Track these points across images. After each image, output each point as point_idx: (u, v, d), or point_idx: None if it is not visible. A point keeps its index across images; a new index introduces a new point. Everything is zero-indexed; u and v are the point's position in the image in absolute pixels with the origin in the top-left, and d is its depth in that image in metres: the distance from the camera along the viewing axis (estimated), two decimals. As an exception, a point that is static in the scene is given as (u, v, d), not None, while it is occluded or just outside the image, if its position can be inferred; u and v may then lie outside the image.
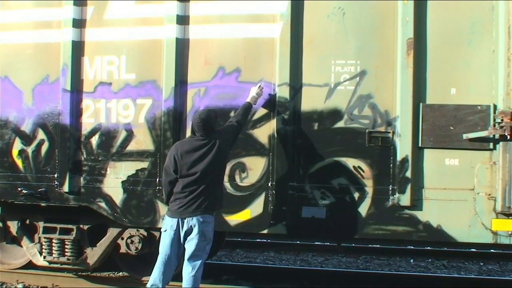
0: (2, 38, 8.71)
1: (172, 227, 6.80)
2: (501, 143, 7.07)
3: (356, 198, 7.50)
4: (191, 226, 6.71)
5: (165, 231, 6.86)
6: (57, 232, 8.62)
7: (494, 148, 7.15)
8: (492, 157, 7.17)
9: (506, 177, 7.04)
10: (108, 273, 9.50)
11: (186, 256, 6.80)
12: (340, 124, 7.53)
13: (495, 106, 7.13)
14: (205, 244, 6.80)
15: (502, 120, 6.99)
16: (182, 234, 6.77)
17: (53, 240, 8.63)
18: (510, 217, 7.14)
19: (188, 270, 6.76)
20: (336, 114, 7.53)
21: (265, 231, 7.80)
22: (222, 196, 7.19)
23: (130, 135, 8.13)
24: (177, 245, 6.83)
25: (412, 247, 12.24)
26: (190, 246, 6.76)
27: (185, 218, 6.74)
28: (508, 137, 6.97)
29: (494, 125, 7.06)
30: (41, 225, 8.72)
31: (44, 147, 8.50)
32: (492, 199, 7.16)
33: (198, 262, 6.75)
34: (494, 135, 7.07)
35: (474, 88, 7.23)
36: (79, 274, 9.20)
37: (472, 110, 7.18)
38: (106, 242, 8.52)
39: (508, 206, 7.04)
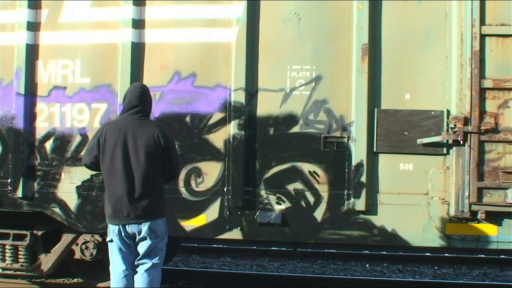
0: (-46, 42, 8.56)
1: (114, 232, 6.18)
2: (454, 148, 7.17)
3: (312, 203, 7.52)
4: (134, 232, 6.10)
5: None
6: (11, 238, 8.47)
7: (448, 153, 7.23)
8: (446, 162, 7.25)
9: (459, 181, 7.13)
10: (62, 279, 9.39)
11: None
12: (296, 129, 7.54)
13: (448, 112, 7.20)
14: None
15: (455, 125, 7.07)
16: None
17: (6, 246, 8.49)
18: (464, 221, 7.22)
19: (140, 270, 6.12)
20: (291, 119, 7.55)
21: (221, 237, 7.78)
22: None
23: (85, 139, 8.04)
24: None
25: (367, 251, 12.29)
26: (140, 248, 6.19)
27: (126, 225, 6.08)
28: (461, 142, 7.07)
29: (448, 130, 7.13)
30: (-6, 231, 8.59)
31: (-3, 152, 8.37)
32: (445, 203, 7.23)
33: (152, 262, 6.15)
34: (447, 140, 7.16)
35: (428, 93, 7.30)
36: (33, 281, 9.08)
37: (426, 116, 7.25)
38: (61, 248, 8.42)
39: (462, 210, 7.13)
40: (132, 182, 6.01)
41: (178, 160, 6.50)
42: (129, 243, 6.15)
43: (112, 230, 6.15)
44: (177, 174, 6.67)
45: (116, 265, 6.15)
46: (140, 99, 6.23)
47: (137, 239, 6.10)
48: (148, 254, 6.12)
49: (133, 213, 6.01)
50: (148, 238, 6.07)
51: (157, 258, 6.16)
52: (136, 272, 6.12)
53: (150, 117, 6.47)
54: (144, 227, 6.03)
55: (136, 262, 6.14)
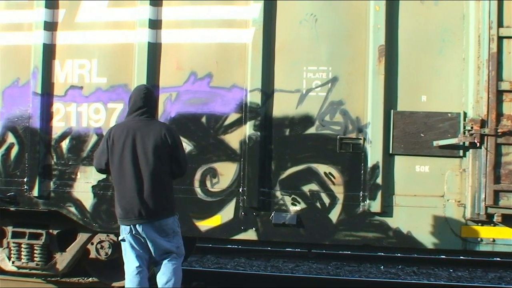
0: (-29, 40, 8.62)
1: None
2: (470, 150, 7.13)
3: (327, 204, 7.51)
4: (145, 230, 6.17)
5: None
6: (26, 237, 8.51)
7: (464, 155, 7.20)
8: (462, 164, 7.22)
9: (476, 184, 7.10)
10: (77, 278, 9.41)
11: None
12: (312, 130, 7.53)
13: (465, 114, 7.18)
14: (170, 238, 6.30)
15: (471, 127, 7.04)
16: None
17: (22, 245, 8.53)
18: (479, 224, 7.18)
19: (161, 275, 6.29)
20: (307, 120, 7.54)
21: (236, 237, 7.78)
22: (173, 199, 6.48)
23: (101, 139, 8.01)
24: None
25: (382, 253, 12.25)
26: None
27: (137, 224, 6.15)
28: (478, 144, 7.03)
29: (464, 133, 7.11)
30: (9, 229, 8.62)
31: (14, 151, 8.41)
32: (461, 206, 7.20)
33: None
34: (464, 143, 7.12)
35: (445, 95, 7.27)
36: (48, 280, 9.12)
37: (442, 118, 7.22)
38: (76, 247, 8.45)
39: (477, 213, 7.09)
40: (142, 182, 6.08)
41: (186, 159, 6.56)
42: (142, 241, 6.23)
43: (124, 229, 6.24)
44: (184, 173, 6.68)
45: (130, 263, 6.25)
46: (145, 100, 6.32)
47: (149, 238, 6.15)
48: (163, 251, 6.21)
49: (144, 213, 6.07)
50: (160, 236, 6.15)
51: (173, 255, 6.25)
52: (150, 270, 6.33)
53: (155, 117, 6.57)
54: (154, 227, 6.11)
55: (157, 261, 6.25)
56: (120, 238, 6.36)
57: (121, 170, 6.16)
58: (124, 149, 6.14)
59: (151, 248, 6.24)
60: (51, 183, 8.29)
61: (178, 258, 6.33)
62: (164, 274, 6.24)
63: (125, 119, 6.54)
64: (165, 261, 6.24)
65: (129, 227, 6.16)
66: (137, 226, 6.12)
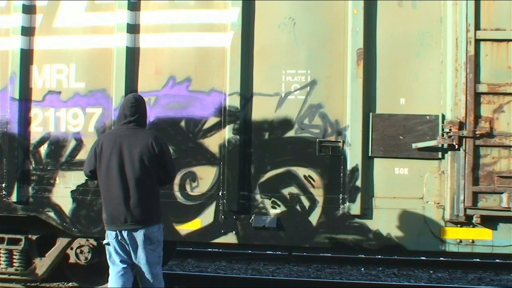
0: None
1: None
2: (449, 152, 7.18)
3: (307, 207, 7.52)
4: (130, 237, 6.17)
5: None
6: (5, 242, 8.46)
7: (443, 157, 7.25)
8: (441, 166, 7.26)
9: (455, 186, 7.14)
10: (57, 283, 9.37)
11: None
12: (291, 133, 7.55)
13: (443, 116, 7.21)
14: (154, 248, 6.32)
15: (450, 130, 7.08)
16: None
17: (1, 251, 8.48)
18: (459, 226, 7.23)
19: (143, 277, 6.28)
20: (286, 124, 7.55)
21: (216, 241, 7.77)
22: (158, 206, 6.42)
23: (79, 144, 8.06)
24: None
25: (363, 255, 12.29)
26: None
27: (122, 231, 6.15)
28: (456, 146, 7.08)
29: (443, 135, 7.14)
30: (-12, 235, 8.57)
31: (-8, 157, 8.36)
32: (441, 207, 7.24)
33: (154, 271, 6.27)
34: (442, 145, 7.16)
35: (423, 98, 7.31)
36: (27, 285, 9.07)
37: (421, 120, 7.26)
38: (55, 252, 8.41)
39: (457, 215, 7.14)
40: (128, 190, 6.08)
41: (174, 167, 6.57)
42: (126, 248, 6.21)
43: (110, 234, 6.23)
44: (172, 180, 6.73)
45: (115, 265, 6.25)
46: (132, 109, 6.32)
47: (133, 245, 6.14)
48: (146, 261, 6.16)
49: (130, 219, 6.08)
50: (144, 244, 6.12)
51: (154, 264, 6.21)
52: (134, 272, 6.25)
53: (145, 125, 6.52)
54: (140, 234, 6.10)
55: (139, 269, 6.21)
56: (105, 242, 6.33)
57: (108, 177, 6.18)
58: (111, 156, 6.16)
59: (133, 255, 6.20)
60: (30, 189, 8.24)
61: (158, 275, 6.27)
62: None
63: (114, 127, 6.60)
64: (146, 284, 6.23)
65: (114, 232, 6.17)
66: (122, 232, 6.13)
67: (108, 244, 6.28)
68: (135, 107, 6.34)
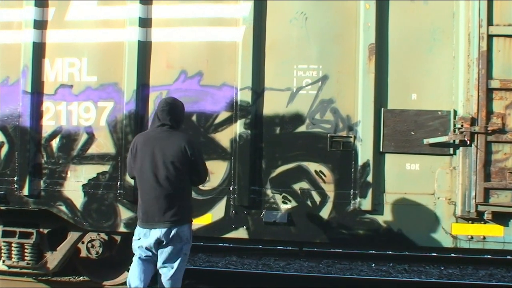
0: (-39, 39, 8.57)
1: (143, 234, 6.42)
2: (461, 148, 7.15)
3: (318, 203, 7.52)
4: (160, 236, 6.25)
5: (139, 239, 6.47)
6: (17, 236, 8.50)
7: (454, 153, 7.22)
8: (452, 162, 7.23)
9: (466, 182, 7.11)
10: (68, 277, 9.38)
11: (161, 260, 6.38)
12: (302, 128, 7.54)
13: (455, 112, 7.18)
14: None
15: (462, 125, 7.06)
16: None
17: (13, 244, 8.52)
18: (470, 222, 7.20)
19: (164, 275, 6.35)
20: (298, 119, 7.54)
21: (227, 236, 7.78)
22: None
23: (91, 138, 8.08)
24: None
25: (373, 251, 12.26)
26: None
27: (153, 229, 6.24)
28: (468, 142, 7.05)
29: (454, 131, 7.12)
30: (0, 229, 8.59)
31: (4, 150, 8.39)
32: (452, 203, 7.22)
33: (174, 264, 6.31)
34: (454, 141, 7.14)
35: (435, 93, 7.28)
36: (39, 279, 9.11)
37: (432, 116, 7.23)
38: (66, 246, 8.44)
39: (468, 211, 7.11)
40: (160, 190, 6.17)
41: (206, 170, 6.63)
42: (154, 245, 6.29)
43: (141, 231, 6.33)
44: (203, 182, 6.85)
45: (138, 254, 6.36)
46: (163, 113, 6.37)
47: (163, 243, 6.23)
48: (171, 258, 6.25)
49: (161, 219, 6.18)
50: (173, 242, 6.21)
51: (179, 261, 6.28)
52: (157, 267, 6.34)
53: (180, 127, 6.57)
54: (171, 232, 6.18)
55: (161, 265, 6.29)
56: (135, 238, 6.41)
57: (142, 178, 6.30)
58: (145, 158, 6.27)
59: (159, 252, 6.29)
60: (42, 182, 8.27)
61: (180, 270, 6.34)
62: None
63: (149, 129, 6.65)
64: (167, 277, 6.29)
65: (145, 229, 6.27)
66: (152, 230, 6.22)
67: (138, 239, 6.36)
68: (166, 111, 6.37)
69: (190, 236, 6.40)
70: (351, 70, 7.44)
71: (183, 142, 6.25)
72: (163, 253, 6.26)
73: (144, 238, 6.28)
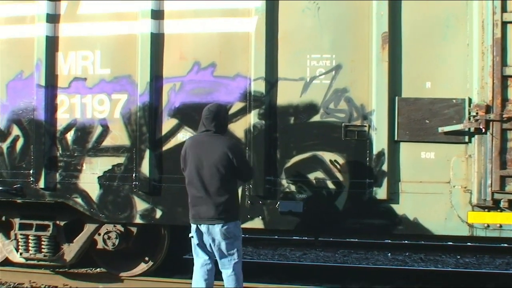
0: (-26, 34, 8.61)
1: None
2: (476, 136, 7.11)
3: (333, 192, 7.51)
4: (208, 232, 6.67)
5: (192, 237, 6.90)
6: (34, 228, 8.56)
7: (470, 141, 7.18)
8: (468, 150, 7.20)
9: (482, 170, 7.08)
10: (85, 269, 9.43)
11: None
12: (316, 118, 7.52)
13: (470, 100, 7.14)
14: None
15: (477, 113, 7.02)
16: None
17: (30, 237, 8.58)
18: (486, 210, 7.16)
19: (223, 273, 6.76)
20: (312, 108, 7.53)
21: (243, 226, 7.65)
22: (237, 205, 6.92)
23: (105, 130, 8.11)
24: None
25: (389, 240, 12.24)
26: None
27: (201, 225, 6.66)
28: (483, 130, 7.01)
29: (469, 119, 7.08)
30: (17, 221, 8.66)
31: (19, 143, 8.44)
32: (468, 192, 7.19)
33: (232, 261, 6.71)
34: (469, 129, 7.10)
35: (449, 81, 7.24)
36: (56, 271, 9.13)
37: (447, 104, 7.20)
38: (83, 238, 8.49)
39: (484, 199, 7.07)
40: (206, 191, 6.54)
41: (249, 170, 7.00)
42: (206, 240, 6.70)
43: (192, 228, 6.77)
44: (249, 179, 7.36)
45: (198, 257, 6.81)
46: (207, 120, 6.69)
47: (212, 240, 6.61)
48: (224, 255, 6.64)
49: (208, 217, 6.56)
50: (221, 239, 6.55)
51: (232, 257, 6.67)
52: (216, 264, 6.79)
53: (224, 131, 6.90)
54: (217, 228, 6.52)
55: (219, 262, 6.73)
56: (190, 235, 6.82)
57: (190, 179, 6.66)
58: (192, 160, 6.62)
59: (212, 248, 6.66)
60: (57, 175, 8.31)
61: (237, 265, 6.70)
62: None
63: (197, 132, 6.92)
64: (226, 276, 6.71)
65: (195, 226, 6.68)
66: (201, 226, 6.62)
67: (192, 237, 6.77)
68: (209, 119, 6.66)
69: (238, 233, 6.73)
70: (365, 59, 7.41)
71: (225, 148, 6.55)
72: (217, 252, 6.64)
73: (195, 235, 6.70)
